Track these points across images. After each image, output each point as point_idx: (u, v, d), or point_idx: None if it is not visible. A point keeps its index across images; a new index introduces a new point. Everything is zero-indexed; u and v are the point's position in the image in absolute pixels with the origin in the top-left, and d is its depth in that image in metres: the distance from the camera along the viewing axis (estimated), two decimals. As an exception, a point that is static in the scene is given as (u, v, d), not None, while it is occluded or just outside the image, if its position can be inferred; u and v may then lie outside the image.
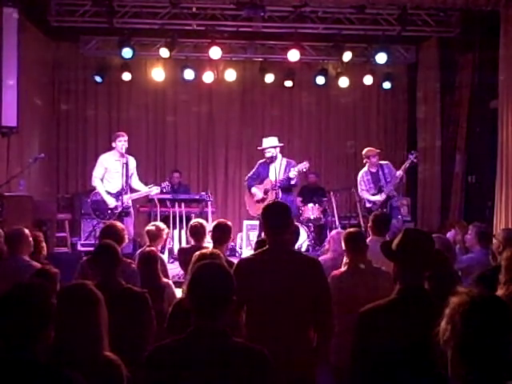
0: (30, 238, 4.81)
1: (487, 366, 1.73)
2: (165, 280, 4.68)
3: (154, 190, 8.00)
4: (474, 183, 9.69)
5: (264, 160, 8.17)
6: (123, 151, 7.70)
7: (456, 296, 1.81)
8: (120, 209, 7.64)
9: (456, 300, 1.80)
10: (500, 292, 3.13)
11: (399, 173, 7.97)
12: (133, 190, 7.90)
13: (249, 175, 8.34)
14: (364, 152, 8.15)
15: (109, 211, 7.69)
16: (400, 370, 2.34)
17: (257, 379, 2.22)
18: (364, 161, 8.13)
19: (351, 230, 4.48)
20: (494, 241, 4.46)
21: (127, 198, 7.69)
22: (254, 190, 8.11)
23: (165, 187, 8.10)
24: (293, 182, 7.93)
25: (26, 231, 4.82)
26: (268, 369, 2.26)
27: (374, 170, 8.08)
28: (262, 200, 7.89)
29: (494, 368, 1.73)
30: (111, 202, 7.68)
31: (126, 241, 4.87)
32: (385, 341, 2.37)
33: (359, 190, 8.19)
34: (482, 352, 1.73)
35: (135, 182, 7.95)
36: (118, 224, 4.93)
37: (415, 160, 8.16)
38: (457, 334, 1.76)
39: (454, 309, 1.79)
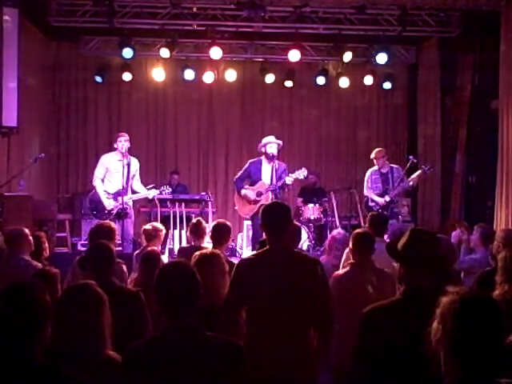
0: (30, 238, 4.82)
1: (478, 365, 1.75)
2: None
3: (152, 193, 7.96)
4: (474, 183, 9.69)
5: (255, 159, 8.01)
6: (124, 151, 7.68)
7: (446, 296, 1.83)
8: (116, 209, 7.62)
9: (446, 300, 1.82)
10: (497, 292, 3.13)
11: (410, 183, 8.08)
12: (133, 192, 7.88)
13: (237, 176, 8.12)
14: (374, 154, 8.26)
15: (106, 211, 7.69)
16: (402, 370, 2.34)
17: (231, 371, 2.26)
18: (374, 161, 8.25)
19: (359, 230, 4.44)
20: (495, 242, 4.45)
21: (126, 199, 7.66)
22: (244, 191, 7.84)
23: (164, 190, 8.08)
24: (286, 190, 7.90)
25: (26, 231, 4.83)
26: (242, 361, 2.30)
27: (384, 171, 8.18)
28: (255, 202, 7.72)
29: (484, 366, 1.75)
30: (108, 204, 7.66)
31: (117, 240, 4.88)
32: (388, 341, 2.37)
33: (365, 186, 8.30)
34: (472, 351, 1.74)
35: (136, 184, 7.92)
36: (108, 223, 4.93)
37: (428, 171, 8.32)
38: (447, 334, 1.78)
39: (445, 308, 1.81)
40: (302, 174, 7.80)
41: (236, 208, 8.25)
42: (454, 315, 1.77)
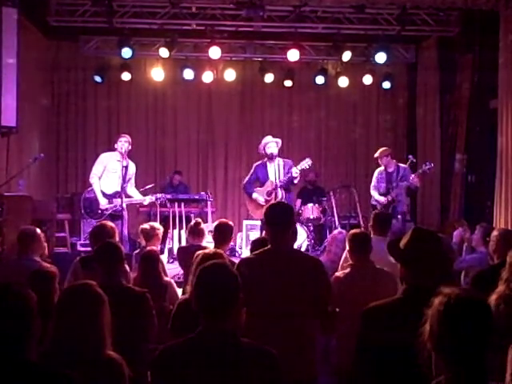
0: (43, 239, 4.77)
1: (464, 366, 1.75)
2: (166, 279, 4.69)
3: (148, 200, 7.94)
4: (473, 183, 9.69)
5: (260, 162, 8.07)
6: (123, 151, 7.67)
7: (436, 297, 1.83)
8: (110, 210, 7.61)
9: (435, 301, 1.83)
10: (500, 288, 3.12)
11: (411, 181, 8.09)
12: (127, 196, 7.81)
13: (246, 180, 8.19)
14: (378, 153, 8.31)
15: (99, 211, 7.66)
16: (401, 369, 2.34)
17: (266, 379, 2.23)
18: (378, 160, 8.30)
19: (356, 230, 4.43)
20: (490, 242, 4.45)
21: (120, 202, 7.61)
22: (255, 195, 7.95)
23: (160, 198, 8.07)
24: (295, 181, 7.94)
25: (39, 231, 4.78)
26: (277, 369, 2.26)
27: (390, 170, 8.22)
28: (266, 202, 7.75)
29: (470, 368, 1.75)
30: (103, 202, 7.64)
31: (117, 240, 4.87)
32: (387, 340, 2.36)
33: (371, 185, 8.40)
34: (456, 352, 1.75)
35: (130, 189, 7.88)
36: (108, 223, 4.93)
37: (428, 171, 8.28)
38: (433, 335, 1.79)
39: (433, 309, 1.82)
40: (306, 163, 7.85)
41: (250, 212, 8.34)
42: (439, 316, 1.78)
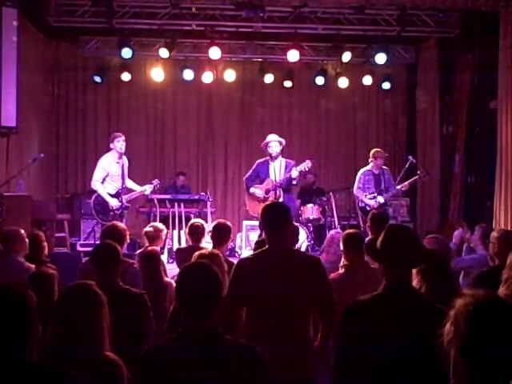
0: (26, 240, 4.76)
1: (489, 368, 1.74)
2: (167, 279, 4.69)
3: (148, 188, 7.98)
4: (473, 183, 9.70)
5: (263, 160, 8.05)
6: (122, 151, 7.70)
7: (461, 297, 1.83)
8: (121, 210, 7.65)
9: (460, 301, 1.82)
10: (501, 290, 3.12)
11: (403, 189, 8.19)
12: (128, 190, 7.87)
13: (247, 176, 8.14)
14: (372, 152, 8.22)
15: (111, 212, 7.69)
16: (383, 365, 2.35)
17: (250, 376, 2.23)
18: (370, 160, 8.17)
19: (350, 231, 4.44)
20: (490, 243, 4.44)
21: (126, 198, 7.69)
22: (252, 189, 7.89)
23: (156, 185, 8.09)
24: (294, 182, 7.90)
25: (22, 232, 4.77)
26: (261, 366, 2.27)
27: (376, 172, 8.15)
28: (264, 200, 7.73)
29: (496, 369, 1.74)
30: (114, 203, 7.68)
31: (128, 241, 4.87)
32: (370, 334, 2.38)
33: (355, 186, 8.23)
34: (483, 353, 1.74)
35: (128, 182, 7.93)
36: (120, 224, 4.93)
37: (424, 177, 8.39)
38: (459, 335, 1.78)
39: (458, 310, 1.80)
40: (306, 166, 7.78)
41: (247, 208, 8.21)
42: (468, 317, 1.77)
